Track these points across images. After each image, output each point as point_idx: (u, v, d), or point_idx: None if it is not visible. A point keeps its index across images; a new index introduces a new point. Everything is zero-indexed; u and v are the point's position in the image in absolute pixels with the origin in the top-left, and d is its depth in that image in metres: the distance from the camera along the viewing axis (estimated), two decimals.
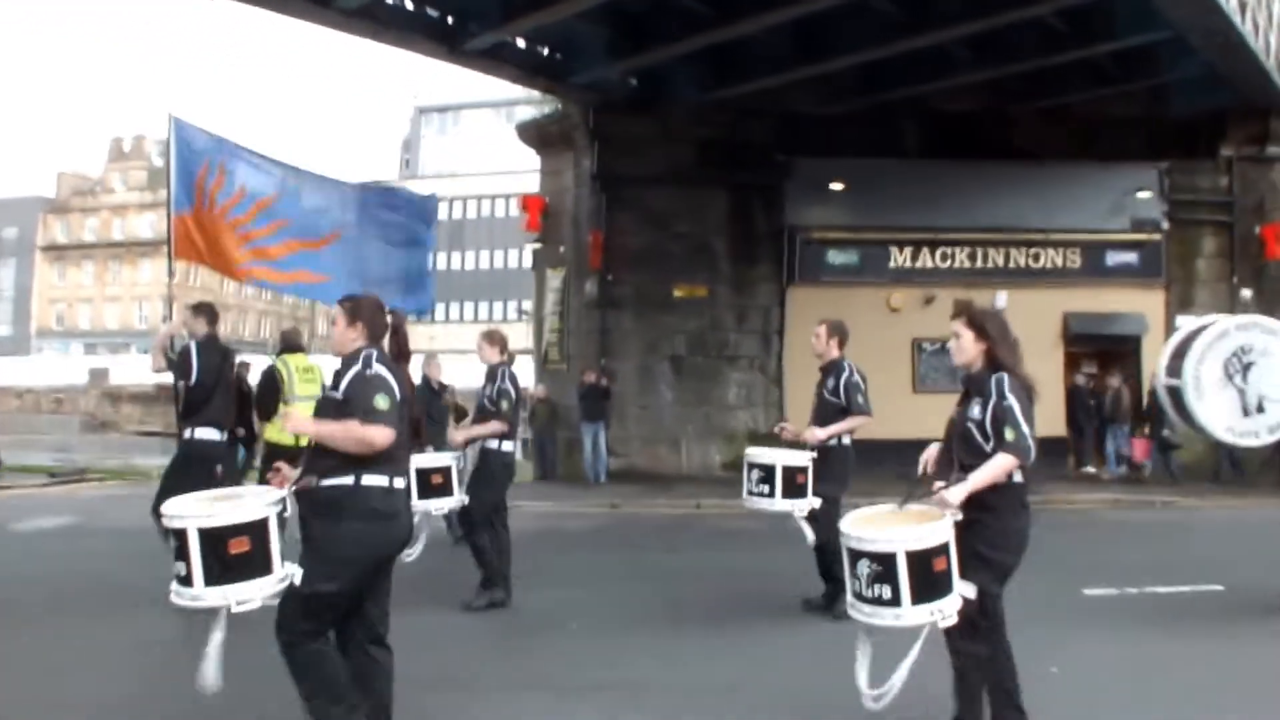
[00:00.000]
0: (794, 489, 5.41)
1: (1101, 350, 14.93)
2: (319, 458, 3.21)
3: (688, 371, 13.66)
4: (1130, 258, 14.44)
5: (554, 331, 14.17)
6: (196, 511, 3.13)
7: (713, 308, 13.74)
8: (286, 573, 3.11)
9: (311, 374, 6.75)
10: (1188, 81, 13.16)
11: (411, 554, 5.58)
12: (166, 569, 3.24)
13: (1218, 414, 5.35)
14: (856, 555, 3.24)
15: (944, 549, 3.18)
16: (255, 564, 3.07)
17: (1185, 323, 5.80)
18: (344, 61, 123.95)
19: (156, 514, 5.62)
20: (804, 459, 5.46)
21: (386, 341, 3.46)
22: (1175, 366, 5.46)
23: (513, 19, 11.09)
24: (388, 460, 3.17)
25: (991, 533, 3.33)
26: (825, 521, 5.30)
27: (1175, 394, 5.46)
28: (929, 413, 15.80)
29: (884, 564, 3.15)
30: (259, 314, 58.41)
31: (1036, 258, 14.37)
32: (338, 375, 3.30)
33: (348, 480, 3.14)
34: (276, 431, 6.44)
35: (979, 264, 14.31)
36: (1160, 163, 14.31)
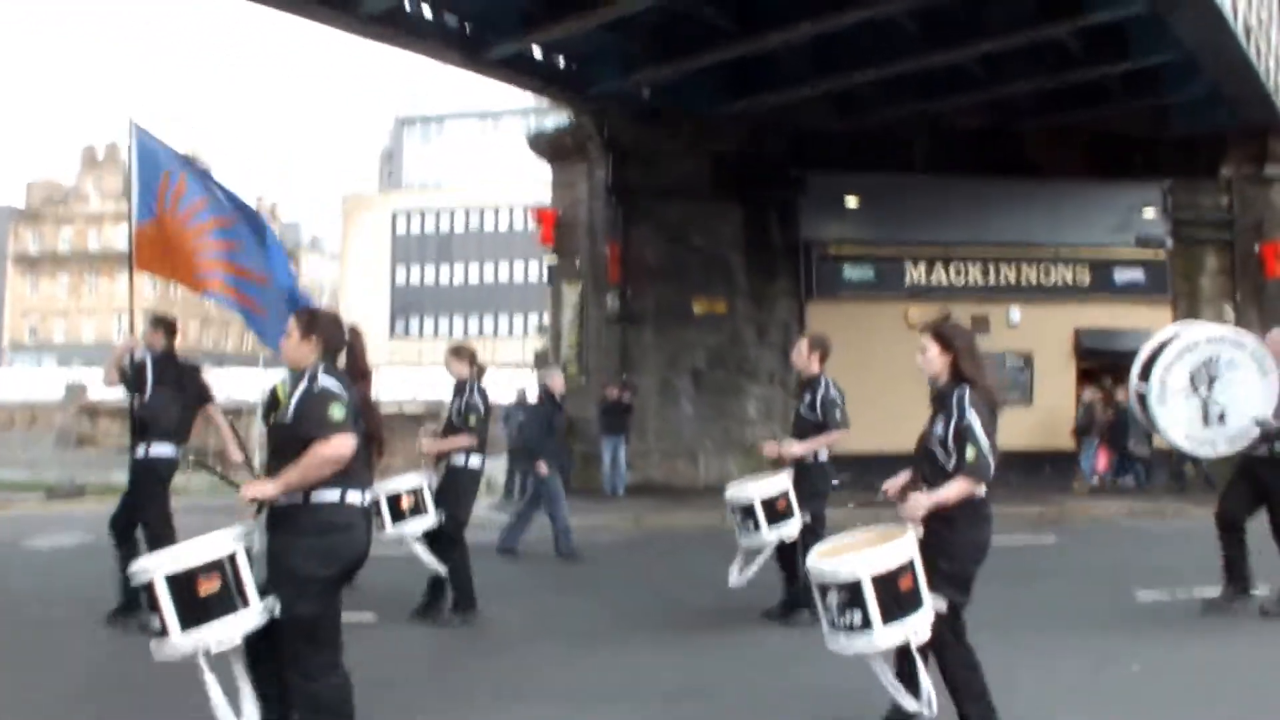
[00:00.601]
0: (777, 515, 5.40)
1: (1111, 365, 15.14)
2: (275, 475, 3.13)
3: (707, 386, 13.64)
4: (1137, 274, 14.69)
5: (572, 346, 14.09)
6: (160, 560, 3.04)
7: (732, 322, 13.74)
8: (267, 605, 3.04)
9: None
10: (1191, 102, 13.46)
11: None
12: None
13: (1178, 421, 5.47)
14: (824, 588, 3.27)
15: (909, 567, 3.21)
16: (229, 600, 2.99)
17: (1161, 331, 5.84)
18: (322, 72, 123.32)
19: (113, 530, 5.63)
20: (781, 485, 5.44)
21: (343, 359, 3.38)
22: (1146, 372, 5.58)
23: (534, 29, 11.07)
24: (342, 474, 3.10)
25: (950, 545, 3.39)
26: (814, 538, 5.27)
27: (1143, 399, 5.58)
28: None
29: (851, 592, 3.18)
30: (242, 327, 57.60)
31: (1047, 274, 14.57)
32: (288, 397, 3.20)
33: (298, 498, 3.08)
34: None
35: (992, 280, 14.48)
36: (1164, 181, 14.60)
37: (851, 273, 14.22)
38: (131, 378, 5.71)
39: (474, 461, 5.75)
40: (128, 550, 5.40)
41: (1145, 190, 14.59)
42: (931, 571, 3.28)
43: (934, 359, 3.56)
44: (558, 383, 8.68)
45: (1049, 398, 14.22)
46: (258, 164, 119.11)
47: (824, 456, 5.63)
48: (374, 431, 3.34)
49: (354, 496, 3.16)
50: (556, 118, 14.91)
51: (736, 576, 5.52)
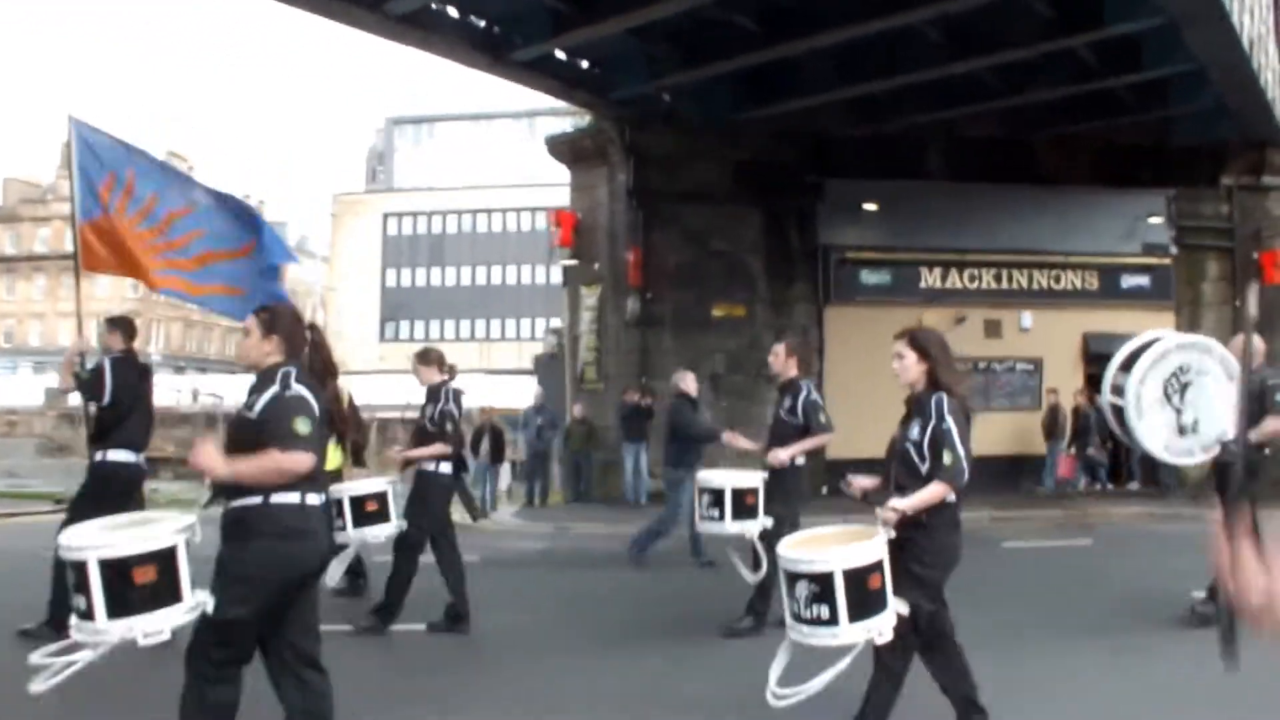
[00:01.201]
0: (744, 510, 5.41)
1: None
2: None
3: (727, 390, 13.75)
4: (1143, 280, 15.01)
5: (590, 350, 14.15)
6: (95, 542, 2.95)
7: (751, 327, 13.87)
8: (198, 601, 2.95)
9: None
10: (1193, 114, 13.80)
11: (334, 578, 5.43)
12: None
13: (1155, 433, 5.46)
14: (794, 577, 3.28)
15: (878, 566, 3.25)
16: (162, 594, 2.91)
17: (1129, 343, 5.80)
18: (310, 72, 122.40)
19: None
20: (754, 480, 5.46)
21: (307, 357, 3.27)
22: (1119, 385, 5.55)
23: (562, 32, 11.17)
24: (302, 478, 3.03)
25: (922, 550, 3.41)
26: (770, 542, 5.28)
27: (1119, 413, 5.56)
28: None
29: (821, 584, 3.20)
30: (224, 331, 57.00)
31: (1057, 280, 14.86)
32: (253, 392, 3.13)
33: (256, 500, 3.01)
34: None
35: (1004, 285, 14.74)
36: (1168, 190, 14.95)
37: (868, 278, 14.42)
38: (88, 382, 5.51)
39: (444, 468, 5.63)
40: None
41: (1150, 199, 14.92)
42: (902, 575, 3.30)
43: (910, 366, 3.59)
44: (690, 383, 8.45)
45: (1060, 400, 14.50)
46: (247, 162, 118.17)
47: (800, 460, 5.63)
48: (342, 431, 3.32)
49: (314, 499, 3.09)
50: (575, 120, 14.98)
51: (751, 575, 5.50)
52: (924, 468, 3.43)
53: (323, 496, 3.16)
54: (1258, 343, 5.75)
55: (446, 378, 5.65)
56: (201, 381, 36.04)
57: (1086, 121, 13.83)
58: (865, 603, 3.19)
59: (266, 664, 3.12)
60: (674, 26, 11.22)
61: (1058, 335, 14.69)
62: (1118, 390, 5.52)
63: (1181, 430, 5.44)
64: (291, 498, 3.02)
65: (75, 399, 7.29)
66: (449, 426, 5.49)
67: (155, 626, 2.88)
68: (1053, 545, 8.84)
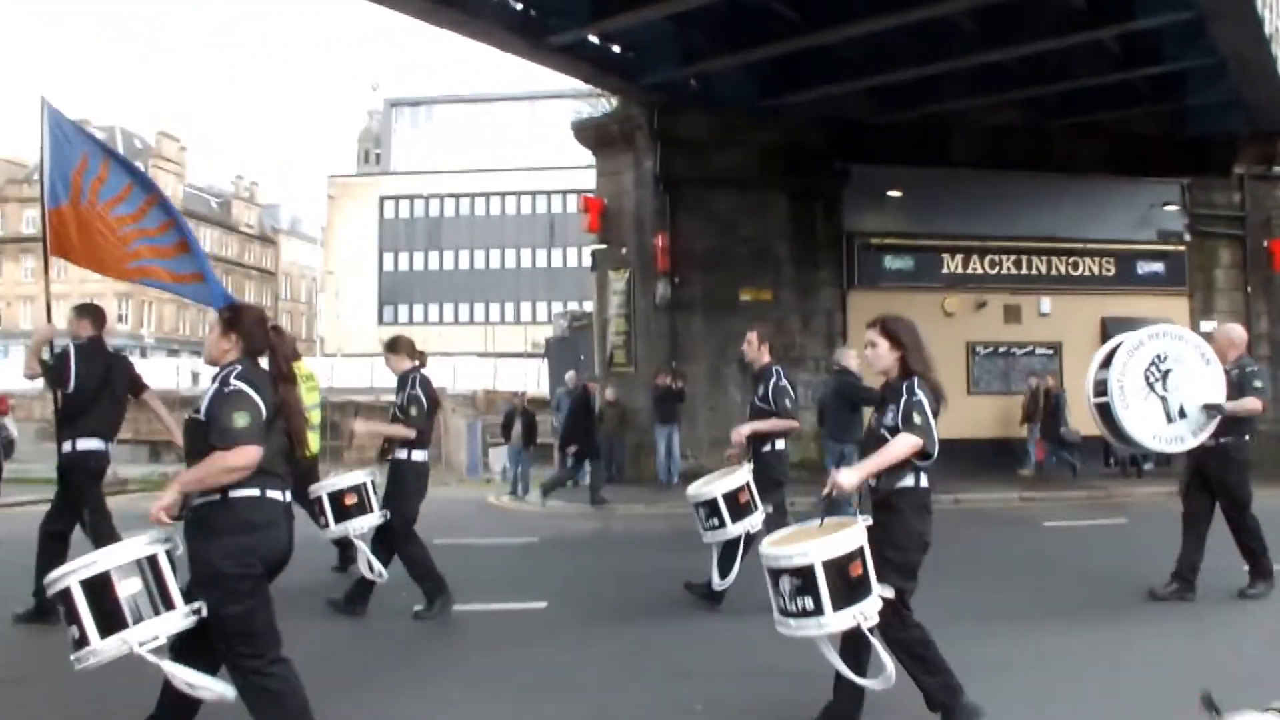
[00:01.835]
0: (741, 509, 5.46)
1: None
2: None
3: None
4: (1158, 267, 15.35)
5: (619, 334, 14.33)
6: (73, 566, 2.93)
7: (777, 311, 14.08)
8: (194, 606, 2.98)
9: (311, 382, 6.45)
10: (1207, 105, 14.06)
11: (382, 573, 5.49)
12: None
13: (1144, 424, 5.44)
14: (776, 574, 3.33)
15: (859, 553, 3.29)
16: (152, 603, 2.93)
17: (1104, 346, 5.82)
18: (300, 54, 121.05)
19: (44, 531, 5.34)
20: (740, 479, 5.50)
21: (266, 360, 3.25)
22: (1102, 382, 5.53)
23: (603, 17, 11.26)
24: (260, 472, 3.04)
25: (896, 534, 3.49)
26: (769, 529, 5.32)
27: (1104, 410, 5.52)
28: (983, 413, 16.47)
29: (803, 577, 3.25)
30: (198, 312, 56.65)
31: (1075, 266, 15.17)
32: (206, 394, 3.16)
33: (215, 496, 3.02)
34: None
35: (1024, 271, 15.04)
36: (1182, 179, 15.26)
37: (892, 263, 14.67)
38: (52, 368, 5.44)
39: (417, 455, 5.60)
40: (55, 554, 5.04)
41: (1165, 188, 15.24)
42: (879, 560, 3.35)
43: (884, 354, 3.64)
44: (852, 359, 8.48)
45: (1078, 383, 14.82)
46: (239, 144, 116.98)
47: (780, 445, 5.72)
48: (295, 433, 3.25)
49: (274, 494, 3.09)
50: (581, 104, 15.05)
51: (719, 580, 5.60)
52: None
53: (286, 492, 3.16)
54: (1238, 332, 5.97)
55: (416, 364, 5.65)
56: (198, 364, 36.05)
57: (1103, 111, 14.06)
58: (848, 590, 3.25)
59: (226, 662, 3.12)
60: (711, 12, 11.33)
61: (1076, 320, 15.00)
62: (1100, 389, 5.53)
63: (1169, 417, 5.47)
64: (251, 492, 3.03)
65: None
66: (415, 412, 5.48)
67: (150, 634, 2.89)
68: (1092, 524, 9.12)
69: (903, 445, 3.42)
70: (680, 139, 13.94)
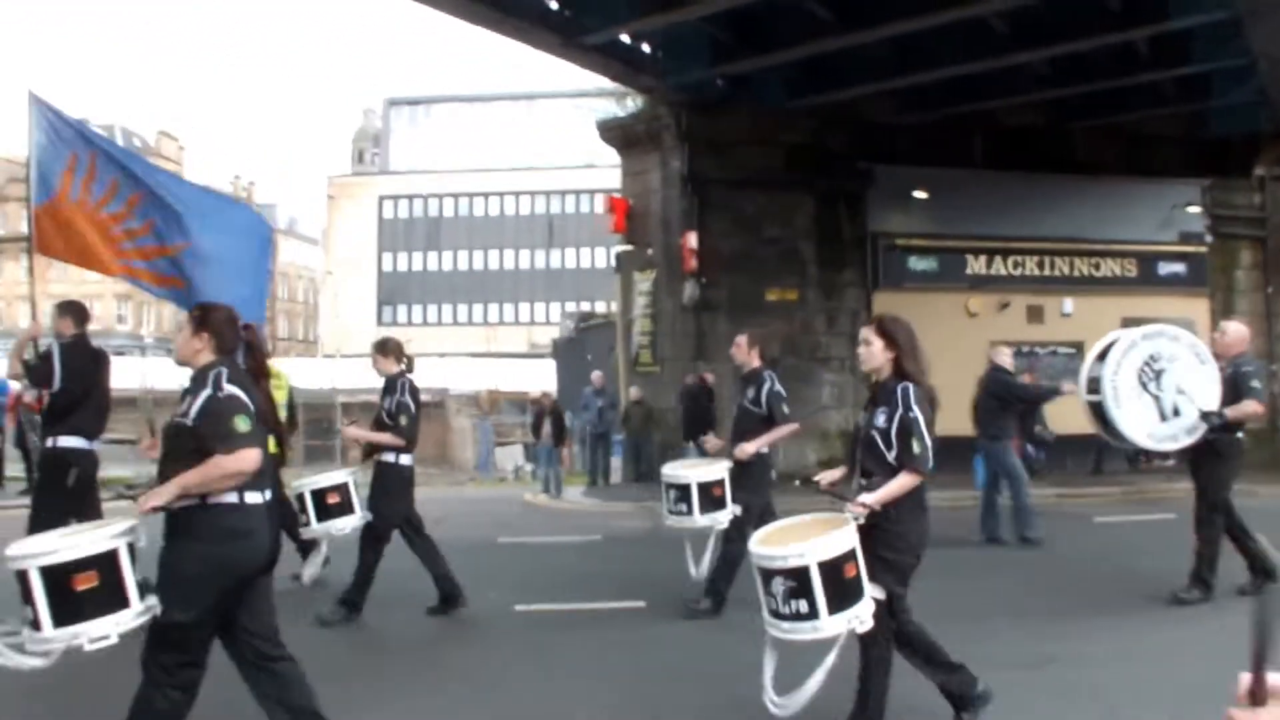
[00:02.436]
0: (712, 502, 5.45)
1: None
2: (168, 478, 3.05)
3: (782, 374, 13.95)
4: (1179, 268, 15.40)
5: (645, 334, 14.29)
6: (35, 550, 2.94)
7: (803, 311, 14.08)
8: (148, 605, 2.94)
9: (279, 380, 6.34)
10: (1233, 105, 14.13)
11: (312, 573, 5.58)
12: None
13: (1138, 422, 5.45)
14: (769, 574, 3.24)
15: (852, 554, 3.23)
16: (106, 599, 2.89)
17: (1098, 343, 5.83)
18: (297, 52, 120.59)
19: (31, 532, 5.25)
20: (719, 472, 5.50)
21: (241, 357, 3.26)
22: (1095, 378, 5.54)
23: (637, 17, 11.24)
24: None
25: (891, 536, 3.42)
26: (737, 531, 5.41)
27: (1097, 409, 5.53)
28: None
29: (798, 578, 3.17)
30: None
31: (1097, 267, 15.20)
32: (186, 395, 3.11)
33: (194, 500, 3.00)
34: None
35: (1047, 272, 15.06)
36: (1203, 180, 15.32)
37: (916, 264, 14.67)
38: (36, 367, 5.40)
39: (404, 460, 5.57)
40: None
41: (1186, 189, 15.28)
42: (872, 561, 3.30)
43: (877, 353, 3.58)
44: (1006, 358, 8.47)
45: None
46: (237, 144, 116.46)
47: (765, 449, 5.68)
48: (275, 431, 3.28)
49: (254, 497, 3.06)
50: (588, 102, 15.00)
51: (695, 570, 5.65)
52: (890, 455, 3.45)
53: (265, 494, 3.13)
54: (1238, 330, 5.91)
55: (403, 369, 5.61)
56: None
57: (1127, 112, 14.10)
58: (843, 593, 3.18)
59: (236, 664, 3.15)
60: (745, 13, 11.30)
61: (1098, 321, 14.91)
62: (1094, 386, 5.52)
63: (1163, 416, 5.47)
64: (230, 497, 3.00)
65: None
66: (404, 420, 5.44)
67: (102, 632, 2.86)
68: (1142, 520, 9.14)
69: (908, 483, 3.40)
70: (707, 139, 13.90)
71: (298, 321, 63.39)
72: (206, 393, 3.03)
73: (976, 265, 14.84)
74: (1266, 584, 5.64)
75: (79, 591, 2.86)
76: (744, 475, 5.55)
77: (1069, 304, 15.04)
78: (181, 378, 3.25)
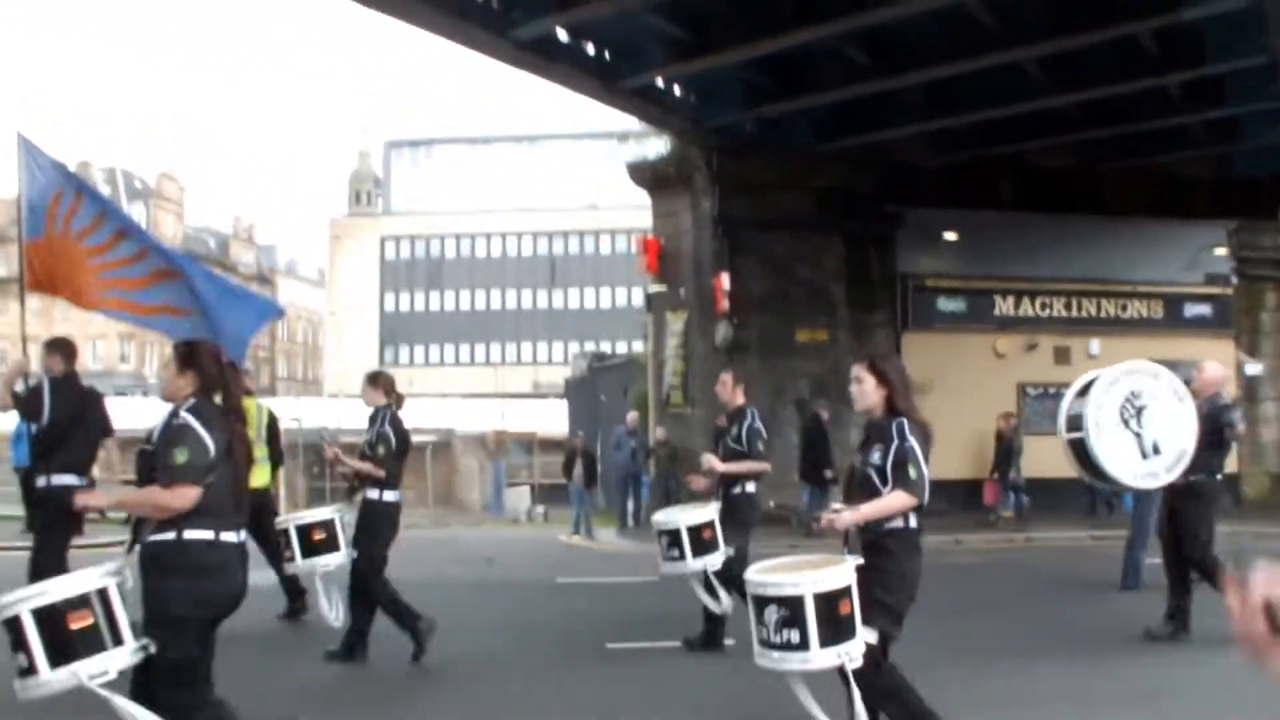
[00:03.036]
0: (703, 545, 5.42)
1: None
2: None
3: (812, 414, 13.85)
4: (1205, 310, 15.46)
5: (676, 375, 14.20)
6: (24, 594, 2.94)
7: (833, 353, 13.99)
8: (142, 644, 2.97)
9: (249, 415, 6.29)
10: (1260, 147, 14.29)
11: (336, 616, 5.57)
12: None
13: (1120, 459, 5.44)
14: (763, 601, 3.24)
15: (847, 592, 3.21)
16: (102, 637, 2.90)
17: (1077, 381, 5.84)
18: (294, 92, 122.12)
19: (34, 570, 5.21)
20: (708, 514, 5.49)
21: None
22: (1077, 415, 5.51)
23: (675, 61, 11.34)
24: (213, 514, 3.05)
25: (888, 577, 3.39)
26: (729, 571, 5.40)
27: (1079, 446, 5.49)
28: (1034, 453, 16.22)
29: (791, 608, 3.17)
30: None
31: (1124, 308, 15.25)
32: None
33: (170, 535, 3.02)
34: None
35: (1074, 313, 15.10)
36: (1229, 222, 15.45)
37: (945, 305, 14.69)
38: (24, 401, 5.48)
39: (388, 495, 5.50)
40: None
41: (1212, 230, 15.40)
42: (868, 602, 3.27)
43: (869, 391, 3.56)
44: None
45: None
46: (237, 184, 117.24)
47: (750, 488, 5.66)
48: (245, 469, 3.28)
49: (228, 536, 3.09)
50: (653, 146, 15.08)
51: (716, 605, 5.55)
52: (885, 490, 3.42)
53: (240, 534, 3.15)
54: (1215, 369, 6.03)
55: (389, 402, 5.57)
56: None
57: (1157, 155, 14.24)
58: (836, 628, 3.16)
59: (134, 694, 3.06)
60: (784, 57, 11.42)
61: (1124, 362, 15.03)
62: (1075, 423, 5.50)
63: (1143, 454, 5.47)
64: (204, 534, 3.03)
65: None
66: (382, 451, 5.40)
67: (100, 668, 2.87)
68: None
69: (898, 502, 3.38)
70: (738, 181, 13.93)
71: (296, 361, 63.14)
72: (164, 420, 3.11)
73: (1005, 306, 14.87)
74: (1180, 633, 5.76)
75: (73, 630, 2.87)
76: (729, 515, 5.54)
77: (1096, 345, 15.02)
78: None
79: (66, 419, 5.47)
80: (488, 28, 10.25)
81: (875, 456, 3.46)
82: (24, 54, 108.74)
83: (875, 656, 3.28)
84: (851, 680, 3.26)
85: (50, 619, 2.85)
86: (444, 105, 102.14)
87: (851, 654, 3.19)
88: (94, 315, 6.74)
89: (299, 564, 5.51)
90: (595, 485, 13.53)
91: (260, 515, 5.65)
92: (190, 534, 3.00)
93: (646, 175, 14.97)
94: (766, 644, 3.23)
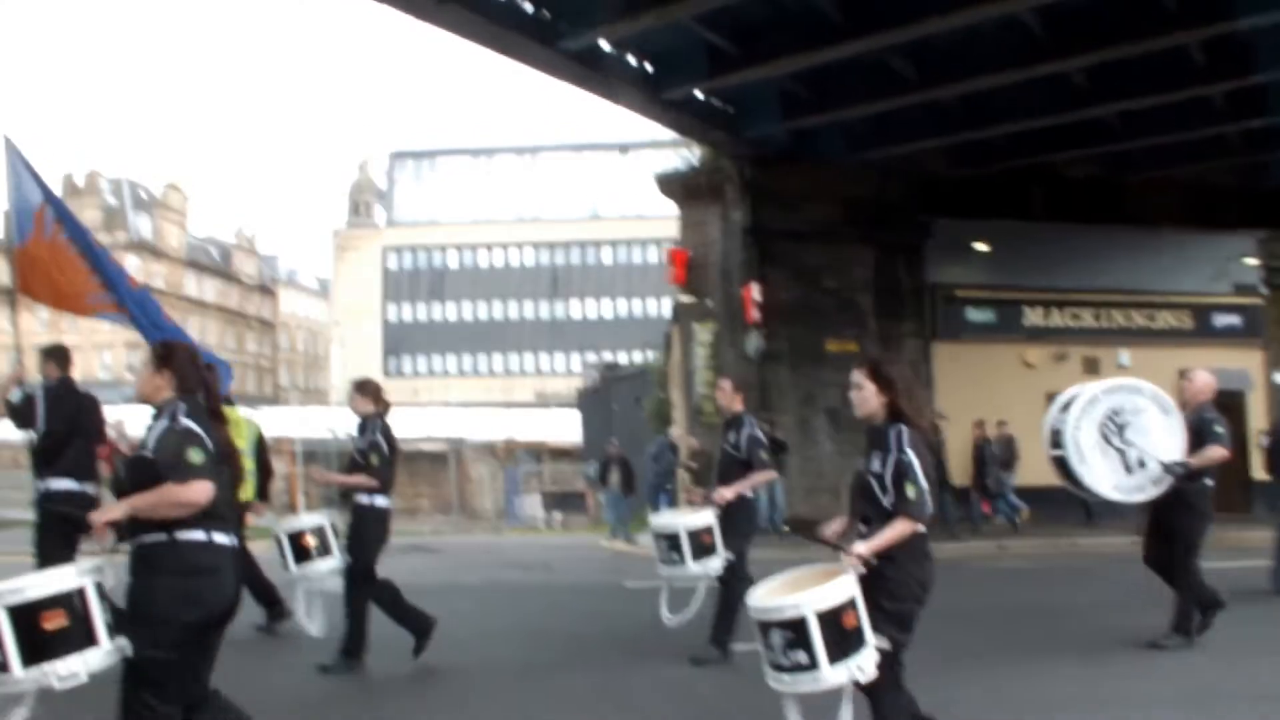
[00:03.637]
0: (702, 550, 5.45)
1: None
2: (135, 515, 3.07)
3: (844, 423, 13.73)
4: (1234, 320, 15.41)
5: (707, 385, 14.09)
6: (2, 590, 2.90)
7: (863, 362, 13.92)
8: (117, 645, 2.92)
9: (240, 428, 6.30)
10: None
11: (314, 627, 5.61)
12: None
13: (1103, 476, 5.52)
14: (766, 627, 3.20)
15: (851, 604, 3.17)
16: (75, 638, 2.86)
17: (1059, 397, 5.89)
18: (295, 103, 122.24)
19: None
20: (706, 519, 5.51)
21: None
22: (1058, 430, 5.60)
23: (719, 74, 11.25)
24: (206, 515, 3.01)
25: (893, 584, 3.34)
26: (730, 575, 5.47)
27: (1061, 464, 5.60)
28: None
29: (795, 630, 3.12)
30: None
31: (1153, 318, 15.19)
32: (148, 430, 3.12)
33: (162, 536, 2.98)
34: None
35: (1103, 323, 15.03)
36: (1258, 232, 15.42)
37: (974, 315, 14.61)
38: (19, 409, 5.52)
39: (380, 502, 5.52)
40: None
41: (1241, 240, 15.37)
42: (874, 610, 3.23)
43: (870, 398, 3.47)
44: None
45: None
46: (238, 194, 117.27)
47: (750, 494, 5.72)
48: (236, 474, 3.29)
49: (221, 538, 3.06)
50: (683, 157, 15.01)
51: (670, 617, 5.69)
52: (886, 500, 3.36)
53: (232, 537, 3.11)
54: (1204, 379, 6.03)
55: (377, 410, 5.57)
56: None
57: (1190, 164, 14.14)
58: (843, 643, 3.11)
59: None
60: (829, 69, 11.31)
61: (1154, 373, 14.66)
62: (1056, 440, 5.56)
63: (1129, 469, 5.53)
64: (197, 535, 3.00)
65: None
66: (374, 459, 5.42)
67: (70, 670, 2.83)
68: (1244, 565, 8.84)
69: (903, 530, 3.31)
70: (769, 192, 13.86)
71: (298, 370, 62.87)
72: (164, 424, 3.06)
73: (1034, 316, 14.81)
74: (1208, 620, 5.79)
75: (47, 630, 2.83)
76: (729, 520, 5.54)
77: (1125, 356, 14.96)
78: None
79: (63, 426, 5.47)
80: (536, 38, 10.16)
81: (875, 464, 3.39)
82: (30, 63, 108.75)
83: (886, 668, 3.22)
84: (868, 697, 3.20)
85: (25, 617, 2.81)
86: (446, 117, 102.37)
87: (864, 667, 3.14)
88: (100, 325, 6.84)
89: (292, 571, 5.51)
90: (633, 492, 13.40)
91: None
92: (183, 534, 2.97)
93: (676, 186, 14.92)
94: (777, 667, 3.18)
